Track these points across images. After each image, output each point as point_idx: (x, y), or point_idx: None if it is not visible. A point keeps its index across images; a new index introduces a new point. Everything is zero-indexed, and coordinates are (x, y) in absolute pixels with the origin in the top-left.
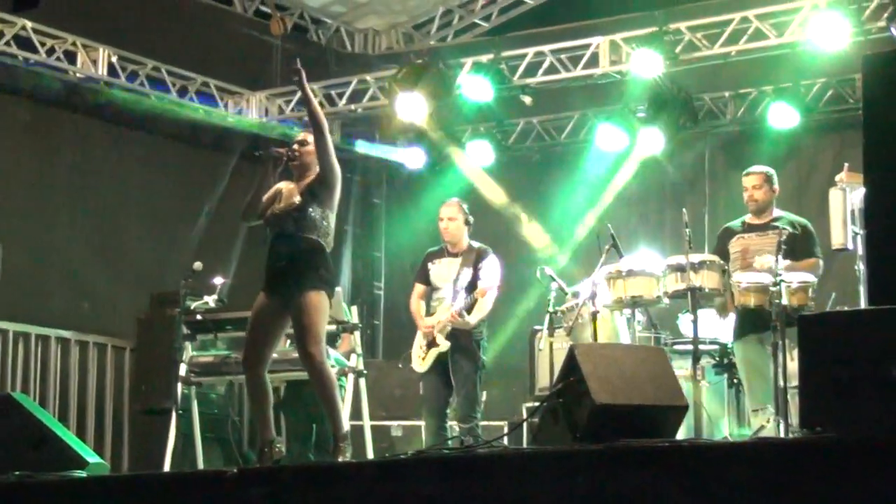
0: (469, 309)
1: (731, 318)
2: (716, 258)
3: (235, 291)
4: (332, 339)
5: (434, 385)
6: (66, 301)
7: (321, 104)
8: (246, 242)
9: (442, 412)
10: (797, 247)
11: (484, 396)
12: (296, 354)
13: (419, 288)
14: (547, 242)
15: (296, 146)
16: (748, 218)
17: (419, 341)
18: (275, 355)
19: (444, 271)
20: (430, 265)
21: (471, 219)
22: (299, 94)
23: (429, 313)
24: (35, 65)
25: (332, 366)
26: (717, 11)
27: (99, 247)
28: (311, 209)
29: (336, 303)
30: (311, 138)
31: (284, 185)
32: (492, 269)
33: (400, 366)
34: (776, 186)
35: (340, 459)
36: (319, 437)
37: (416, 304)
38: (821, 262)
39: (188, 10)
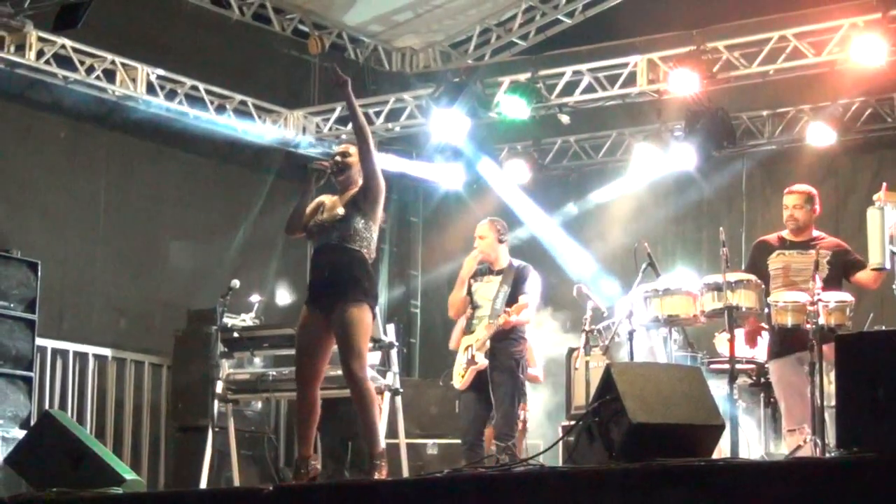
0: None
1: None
2: (753, 277)
3: (272, 309)
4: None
5: (471, 403)
6: (103, 318)
7: None
8: (283, 260)
9: (479, 430)
10: (843, 268)
11: (522, 415)
12: (331, 373)
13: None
14: (584, 261)
15: (338, 158)
16: (787, 234)
17: (460, 359)
18: None
19: (485, 290)
20: (473, 283)
21: (505, 237)
22: (339, 109)
23: (469, 332)
24: (74, 83)
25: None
26: (755, 30)
27: (136, 264)
28: (354, 220)
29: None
30: (353, 150)
31: (327, 198)
32: (531, 285)
33: (441, 383)
34: (817, 207)
35: (376, 477)
36: (354, 454)
37: (458, 323)
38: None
39: (227, 29)
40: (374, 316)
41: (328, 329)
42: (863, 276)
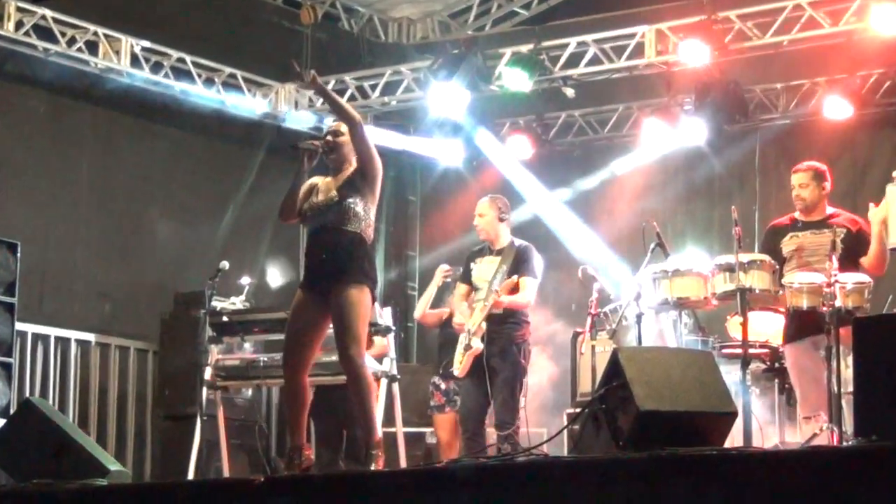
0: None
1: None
2: (766, 257)
3: (263, 291)
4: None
5: (471, 390)
6: (86, 301)
7: (353, 97)
8: (274, 240)
9: (479, 419)
10: (858, 247)
11: (523, 402)
12: (325, 359)
13: (462, 288)
14: (589, 241)
15: (329, 137)
16: (799, 215)
17: (461, 345)
18: None
19: (484, 271)
20: (472, 265)
21: (506, 215)
22: (333, 82)
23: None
24: (55, 55)
25: None
26: None
27: (121, 245)
28: (351, 201)
29: None
30: (345, 128)
31: (320, 179)
32: (533, 266)
33: (441, 371)
34: (826, 184)
35: (373, 468)
36: (350, 444)
37: (459, 302)
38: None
39: None
40: (374, 299)
41: (324, 313)
42: (866, 261)
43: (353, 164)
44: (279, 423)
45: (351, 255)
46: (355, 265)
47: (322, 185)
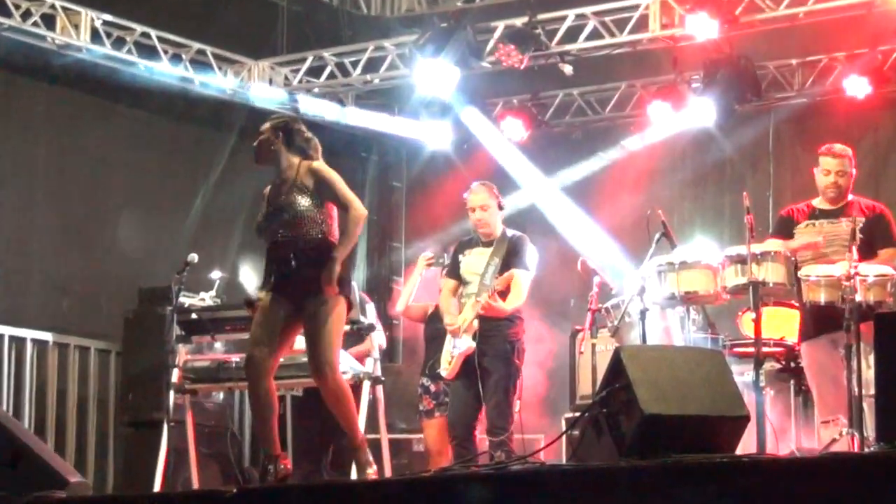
0: (503, 296)
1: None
2: (781, 248)
3: (234, 287)
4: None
5: (461, 392)
6: (43, 298)
7: (332, 75)
8: (247, 231)
9: (469, 423)
10: (875, 235)
11: (517, 406)
12: (304, 359)
13: (450, 283)
14: (589, 231)
15: (254, 142)
16: (817, 202)
17: (448, 344)
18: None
19: (474, 263)
20: (460, 257)
21: (503, 202)
22: (311, 59)
23: (459, 312)
24: (8, 30)
25: (344, 373)
26: None
27: (80, 236)
28: (302, 206)
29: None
30: (266, 126)
31: (269, 188)
32: (527, 259)
33: (426, 371)
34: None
35: (369, 472)
36: (336, 454)
37: (447, 301)
38: None
39: None
40: (350, 305)
41: (294, 319)
42: (883, 257)
43: (293, 164)
44: (253, 430)
45: (316, 263)
46: (322, 273)
47: (270, 191)
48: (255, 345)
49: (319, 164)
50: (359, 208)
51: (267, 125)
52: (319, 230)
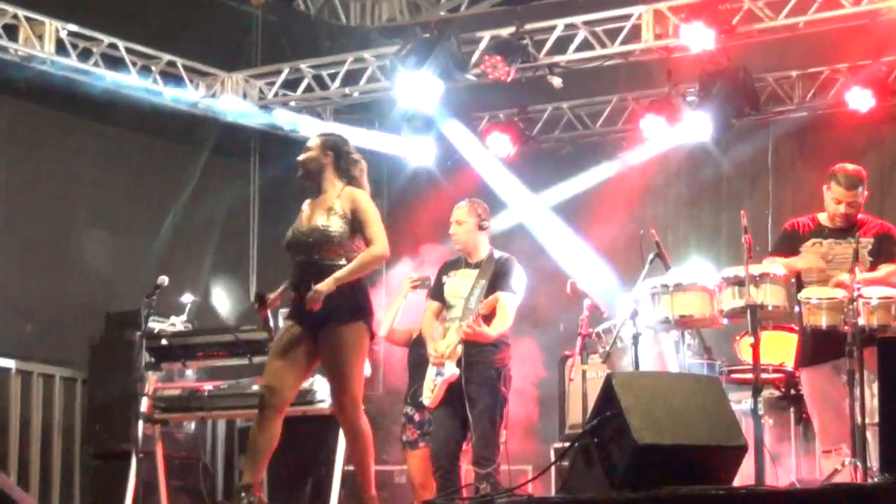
0: (487, 320)
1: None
2: (781, 270)
3: (207, 311)
4: None
5: (444, 421)
6: (4, 323)
7: (310, 88)
8: (220, 253)
9: (453, 454)
10: (880, 254)
11: (504, 436)
12: None
13: (433, 305)
14: (579, 251)
15: (301, 157)
16: (822, 218)
17: (431, 371)
18: (255, 388)
19: (459, 285)
20: (445, 278)
21: (486, 222)
22: (286, 72)
23: (442, 336)
24: None
25: (322, 401)
26: None
27: (44, 257)
28: (335, 230)
29: None
30: (315, 142)
31: (307, 203)
32: (515, 282)
33: (409, 401)
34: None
35: None
36: (315, 487)
37: (430, 326)
38: None
39: None
40: (373, 335)
41: (313, 352)
42: (883, 275)
43: (335, 188)
44: (225, 461)
45: (339, 290)
46: (345, 301)
47: (307, 211)
48: (274, 376)
49: (361, 194)
50: (382, 249)
51: (316, 142)
52: (346, 258)
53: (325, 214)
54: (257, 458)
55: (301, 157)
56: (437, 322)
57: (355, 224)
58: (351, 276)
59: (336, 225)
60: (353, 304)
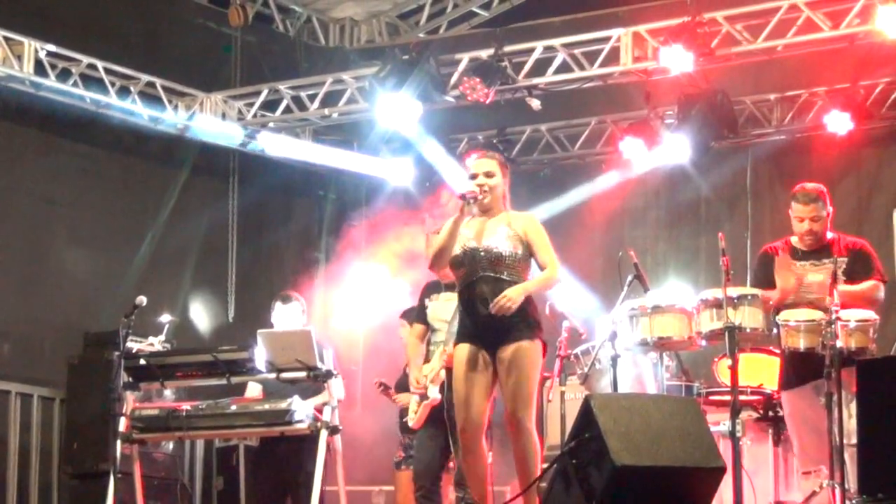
0: None
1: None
2: (758, 292)
3: (185, 331)
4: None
5: (427, 443)
6: None
7: (288, 109)
8: (198, 272)
9: (435, 474)
10: (857, 270)
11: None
12: (258, 407)
13: (417, 328)
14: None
15: (480, 182)
16: (794, 241)
17: (414, 394)
18: (233, 408)
19: (441, 309)
20: (427, 301)
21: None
22: (266, 93)
23: (426, 360)
24: None
25: (300, 421)
26: None
27: (22, 277)
28: (512, 251)
29: (306, 346)
30: (496, 167)
31: (472, 221)
32: None
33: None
34: (830, 208)
35: None
36: None
37: (414, 349)
38: (881, 286)
39: None
40: (545, 349)
41: (492, 370)
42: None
43: (504, 208)
44: (204, 482)
45: (521, 306)
46: (523, 319)
47: (477, 229)
48: (468, 405)
49: (535, 218)
50: (557, 273)
51: (495, 159)
52: (520, 278)
53: (502, 237)
54: (481, 485)
55: (489, 183)
56: (422, 345)
57: (530, 247)
58: (535, 289)
59: (514, 247)
60: (529, 322)
